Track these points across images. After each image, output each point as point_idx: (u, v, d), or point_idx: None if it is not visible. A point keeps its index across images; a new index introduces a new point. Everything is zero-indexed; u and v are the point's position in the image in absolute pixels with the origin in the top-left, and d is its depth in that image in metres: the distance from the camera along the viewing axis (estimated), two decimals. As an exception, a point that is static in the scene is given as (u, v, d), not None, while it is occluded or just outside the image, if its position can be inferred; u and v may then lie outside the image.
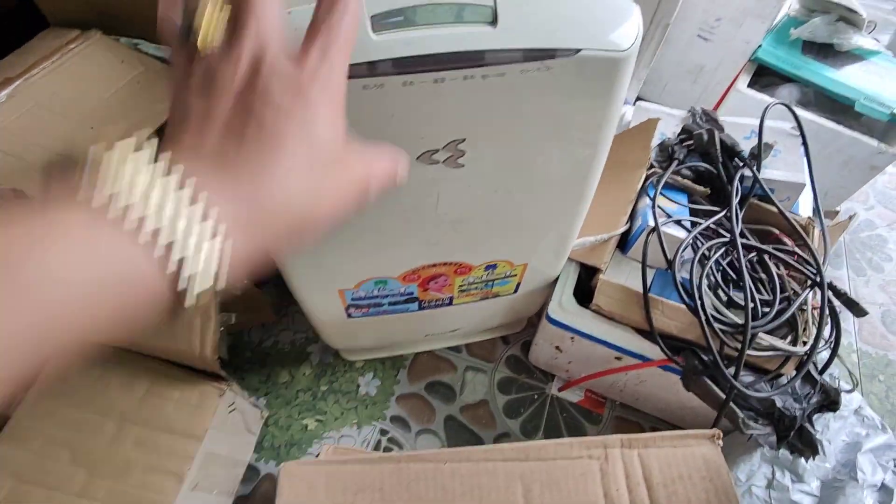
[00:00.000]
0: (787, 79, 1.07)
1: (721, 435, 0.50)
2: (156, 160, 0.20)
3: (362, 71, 0.39)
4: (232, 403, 0.76)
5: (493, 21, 0.39)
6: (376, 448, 0.84)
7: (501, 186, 0.53)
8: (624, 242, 0.77)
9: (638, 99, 1.03)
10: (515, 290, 0.75)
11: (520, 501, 0.47)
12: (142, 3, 0.97)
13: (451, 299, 0.73)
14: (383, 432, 0.86)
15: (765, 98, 1.03)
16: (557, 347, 0.81)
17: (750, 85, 1.07)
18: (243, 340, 0.94)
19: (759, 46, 1.06)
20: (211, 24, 0.22)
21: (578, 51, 0.41)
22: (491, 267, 0.67)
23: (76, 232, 0.18)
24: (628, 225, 0.75)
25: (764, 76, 1.09)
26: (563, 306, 0.73)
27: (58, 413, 0.67)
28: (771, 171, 0.80)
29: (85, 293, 0.18)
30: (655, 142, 0.82)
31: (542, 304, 0.87)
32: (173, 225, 0.19)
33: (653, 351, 0.70)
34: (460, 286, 0.70)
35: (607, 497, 0.48)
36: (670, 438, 0.50)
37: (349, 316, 0.73)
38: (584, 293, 0.75)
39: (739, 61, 1.09)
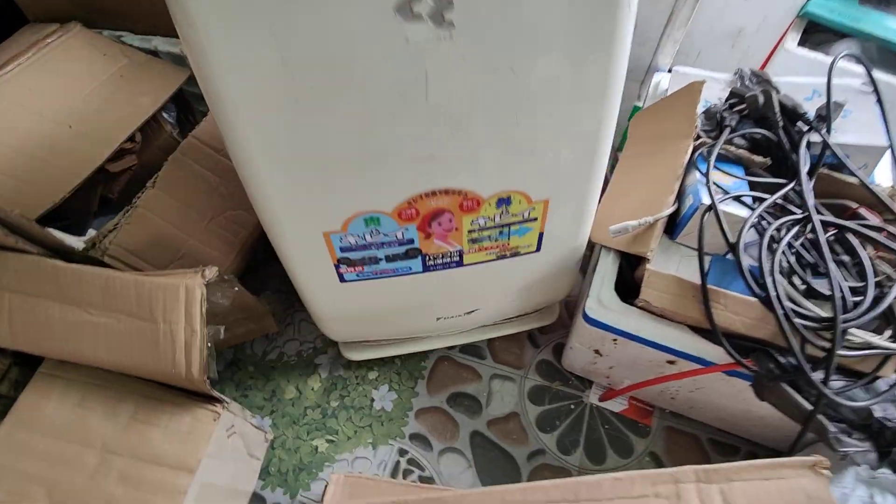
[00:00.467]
0: (842, 34, 0.94)
1: (826, 463, 0.39)
2: None
3: None
4: (231, 427, 0.67)
5: None
6: (394, 472, 0.75)
7: (503, 60, 0.42)
8: (671, 226, 0.66)
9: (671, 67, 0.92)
10: (538, 247, 0.64)
11: (570, 554, 0.37)
12: (125, -7, 0.89)
13: (460, 255, 0.62)
14: (402, 452, 0.76)
15: (819, 57, 0.90)
16: (597, 351, 0.70)
17: (800, 44, 0.94)
18: (245, 354, 0.85)
19: (809, 0, 0.94)
20: None
21: None
22: (504, 202, 0.56)
23: None
24: (676, 205, 0.64)
25: (815, 33, 0.96)
26: (604, 303, 0.63)
27: (32, 445, 0.60)
28: (842, 134, 0.68)
29: None
30: (700, 109, 0.71)
31: (571, 287, 0.76)
32: None
33: (714, 353, 0.59)
34: (470, 232, 0.59)
35: (682, 546, 0.37)
36: (760, 469, 0.40)
37: (342, 279, 0.62)
38: (626, 287, 0.65)
39: (786, 19, 0.97)
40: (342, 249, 0.57)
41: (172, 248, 0.68)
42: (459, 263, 0.63)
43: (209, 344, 0.57)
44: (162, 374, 0.59)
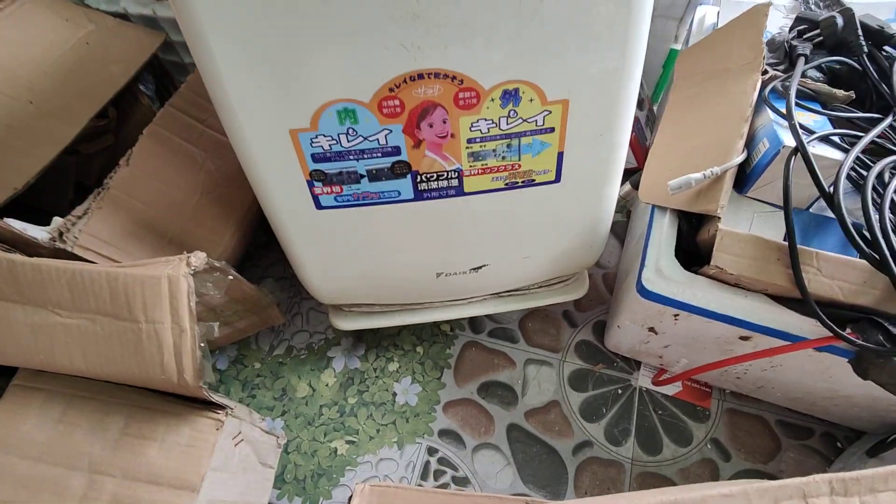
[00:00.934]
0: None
1: None
2: None
3: None
4: (237, 434, 0.59)
5: None
6: (424, 473, 0.67)
7: None
8: (740, 178, 0.56)
9: None
10: (558, 177, 0.52)
11: None
12: (87, -50, 0.78)
13: (459, 177, 0.50)
14: (431, 451, 0.68)
15: (886, -22, 0.78)
16: (651, 329, 0.61)
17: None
18: (250, 349, 0.77)
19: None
20: None
21: None
22: (511, 97, 0.44)
23: None
24: (745, 153, 0.54)
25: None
26: (664, 273, 0.53)
27: (9, 470, 0.52)
28: (939, 58, 0.57)
29: None
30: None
31: (601, 250, 0.64)
32: None
33: (800, 325, 0.50)
34: (470, 143, 0.47)
35: (822, 581, 0.28)
36: (914, 475, 0.30)
37: (318, 203, 0.51)
38: (685, 255, 0.55)
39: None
40: (314, 158, 0.47)
41: (155, 235, 0.59)
42: (460, 191, 0.51)
43: (202, 344, 0.49)
44: (150, 380, 0.50)
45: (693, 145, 0.57)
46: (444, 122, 0.44)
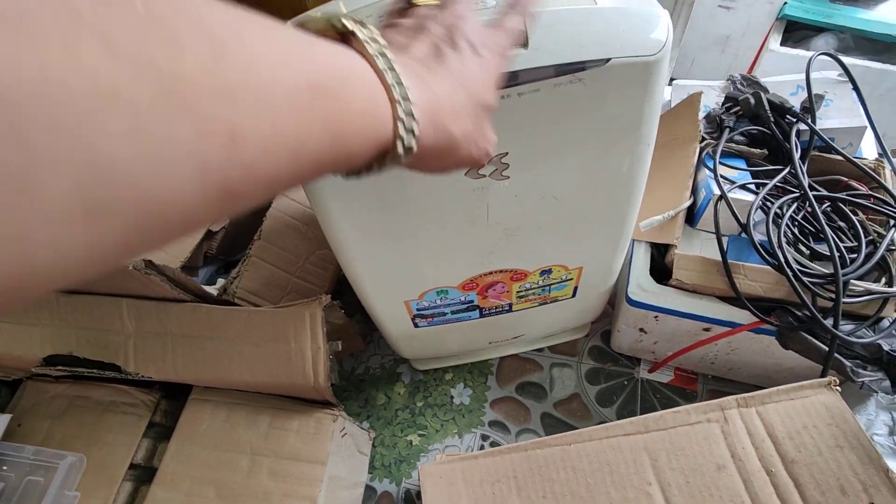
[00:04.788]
0: (819, 29, 1.06)
1: (837, 381, 0.51)
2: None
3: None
4: (343, 429, 0.81)
5: (525, 44, 0.41)
6: (481, 453, 0.87)
7: (548, 194, 0.55)
8: (690, 216, 0.78)
9: (672, 79, 1.05)
10: (574, 294, 0.77)
11: (649, 471, 0.49)
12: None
13: (510, 305, 0.76)
14: (485, 437, 0.89)
15: (801, 53, 1.03)
16: (641, 329, 0.82)
17: (782, 43, 1.07)
18: (337, 371, 1.00)
19: (785, 3, 1.07)
20: None
21: (608, 60, 0.42)
22: (546, 272, 0.69)
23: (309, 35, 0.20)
24: (692, 199, 0.77)
25: (794, 31, 1.09)
26: (643, 287, 0.75)
27: (198, 456, 0.74)
28: (826, 121, 0.80)
29: (307, 88, 0.18)
30: (701, 115, 0.84)
31: (602, 311, 0.90)
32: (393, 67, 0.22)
33: (742, 316, 0.71)
34: (518, 292, 0.72)
35: (734, 456, 0.49)
36: (786, 391, 0.51)
37: (416, 325, 0.77)
38: (659, 273, 0.77)
39: (766, 23, 1.10)
40: (417, 310, 0.72)
41: (281, 286, 0.83)
42: (509, 311, 0.77)
43: (331, 356, 0.72)
44: (294, 384, 0.73)
45: (656, 195, 0.80)
46: (503, 287, 0.70)
